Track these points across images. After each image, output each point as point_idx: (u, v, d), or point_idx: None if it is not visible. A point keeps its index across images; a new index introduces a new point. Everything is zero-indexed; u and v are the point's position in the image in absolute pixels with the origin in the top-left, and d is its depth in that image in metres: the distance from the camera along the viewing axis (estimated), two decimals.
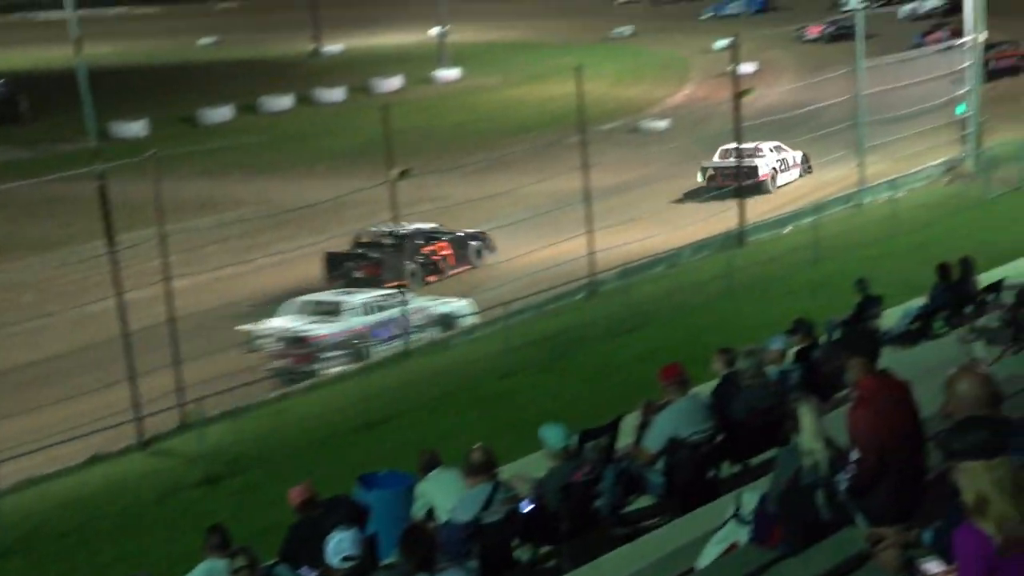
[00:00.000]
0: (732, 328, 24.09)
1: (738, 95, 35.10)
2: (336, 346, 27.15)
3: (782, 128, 42.48)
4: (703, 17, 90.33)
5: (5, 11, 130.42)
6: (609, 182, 37.98)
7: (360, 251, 34.08)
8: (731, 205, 35.19)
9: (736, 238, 33.68)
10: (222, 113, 66.15)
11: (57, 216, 43.46)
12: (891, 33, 62.91)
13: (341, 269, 33.35)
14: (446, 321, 29.16)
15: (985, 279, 19.22)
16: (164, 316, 24.14)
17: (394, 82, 72.62)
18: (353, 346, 27.36)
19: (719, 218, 35.28)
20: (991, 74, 48.58)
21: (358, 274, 32.87)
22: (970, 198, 35.93)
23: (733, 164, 38.12)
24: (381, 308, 28.18)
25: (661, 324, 26.41)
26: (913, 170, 39.34)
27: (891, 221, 32.78)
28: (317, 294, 29.94)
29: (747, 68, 51.75)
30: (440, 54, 76.50)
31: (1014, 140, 40.01)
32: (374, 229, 34.99)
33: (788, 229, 34.78)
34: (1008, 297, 16.64)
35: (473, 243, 35.51)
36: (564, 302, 29.73)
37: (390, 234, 34.03)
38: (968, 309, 17.98)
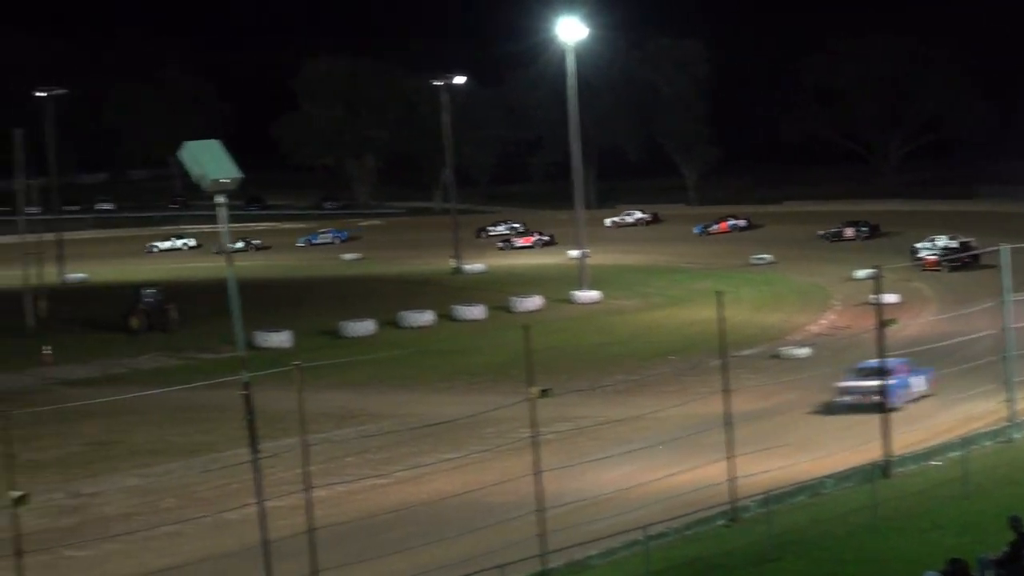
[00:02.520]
0: (877, 562, 23.40)
1: (881, 324, 34.71)
2: None
3: (927, 359, 41.90)
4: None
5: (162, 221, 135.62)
6: (750, 407, 37.62)
7: None
8: (875, 434, 34.53)
9: (881, 469, 32.93)
10: (364, 326, 67.19)
11: (200, 422, 44.16)
12: None
13: None
14: None
15: None
16: (304, 526, 24.12)
17: (534, 301, 73.28)
18: None
19: (864, 447, 34.59)
20: None
21: None
22: None
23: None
24: None
25: (803, 555, 25.76)
26: None
27: None
28: None
29: (890, 298, 51.39)
30: (580, 275, 77.22)
31: None
32: None
33: (935, 462, 33.96)
34: None
35: None
36: (704, 528, 29.18)
37: None
38: None
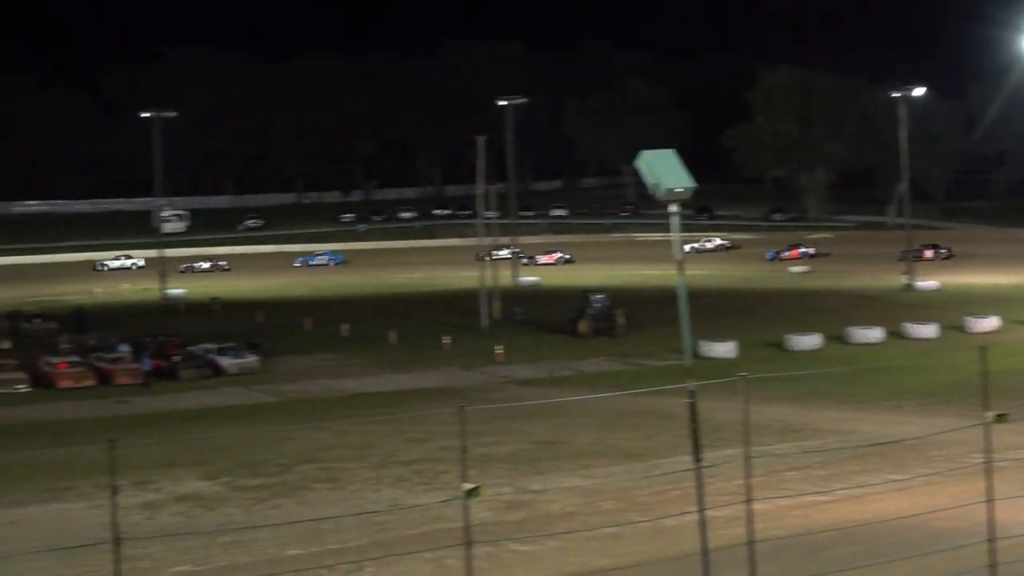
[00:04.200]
0: None
1: None
2: None
3: None
4: None
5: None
6: None
7: None
8: None
9: None
10: (811, 340, 66.36)
11: (643, 428, 44.75)
12: None
13: None
14: None
15: None
16: (743, 538, 24.03)
17: (990, 322, 70.35)
18: None
19: None
20: None
21: None
22: None
23: None
24: None
25: None
26: None
27: None
28: None
29: None
30: None
31: None
32: None
33: None
34: None
35: None
36: None
37: None
38: None
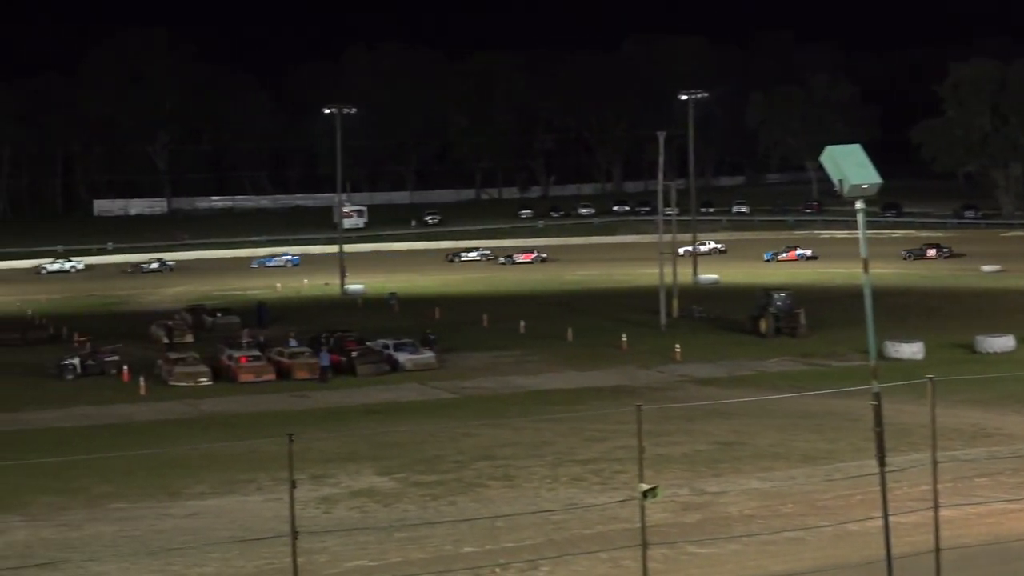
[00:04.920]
0: None
1: None
2: None
3: None
4: None
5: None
6: None
7: None
8: None
9: None
10: (1003, 342, 64.54)
11: (825, 430, 44.06)
12: None
13: None
14: None
15: None
16: (929, 545, 23.48)
17: None
18: None
19: None
20: None
21: None
22: None
23: None
24: None
25: None
26: None
27: None
28: None
29: None
30: None
31: None
32: None
33: None
34: None
35: None
36: None
37: None
38: None
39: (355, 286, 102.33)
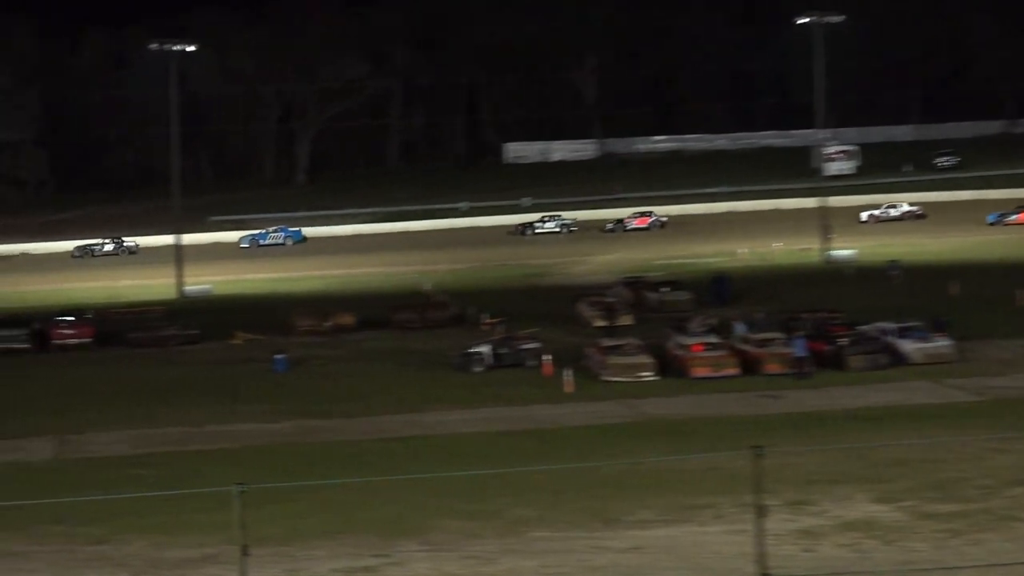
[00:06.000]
0: None
1: None
2: None
3: None
4: None
5: None
6: None
7: None
8: None
9: None
10: None
11: None
12: None
13: None
14: None
15: None
16: None
17: None
18: None
19: None
20: None
21: None
22: None
23: None
24: None
25: None
26: None
27: None
28: None
29: None
30: None
31: None
32: None
33: None
34: None
35: None
36: None
37: None
38: None
39: (844, 252, 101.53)
